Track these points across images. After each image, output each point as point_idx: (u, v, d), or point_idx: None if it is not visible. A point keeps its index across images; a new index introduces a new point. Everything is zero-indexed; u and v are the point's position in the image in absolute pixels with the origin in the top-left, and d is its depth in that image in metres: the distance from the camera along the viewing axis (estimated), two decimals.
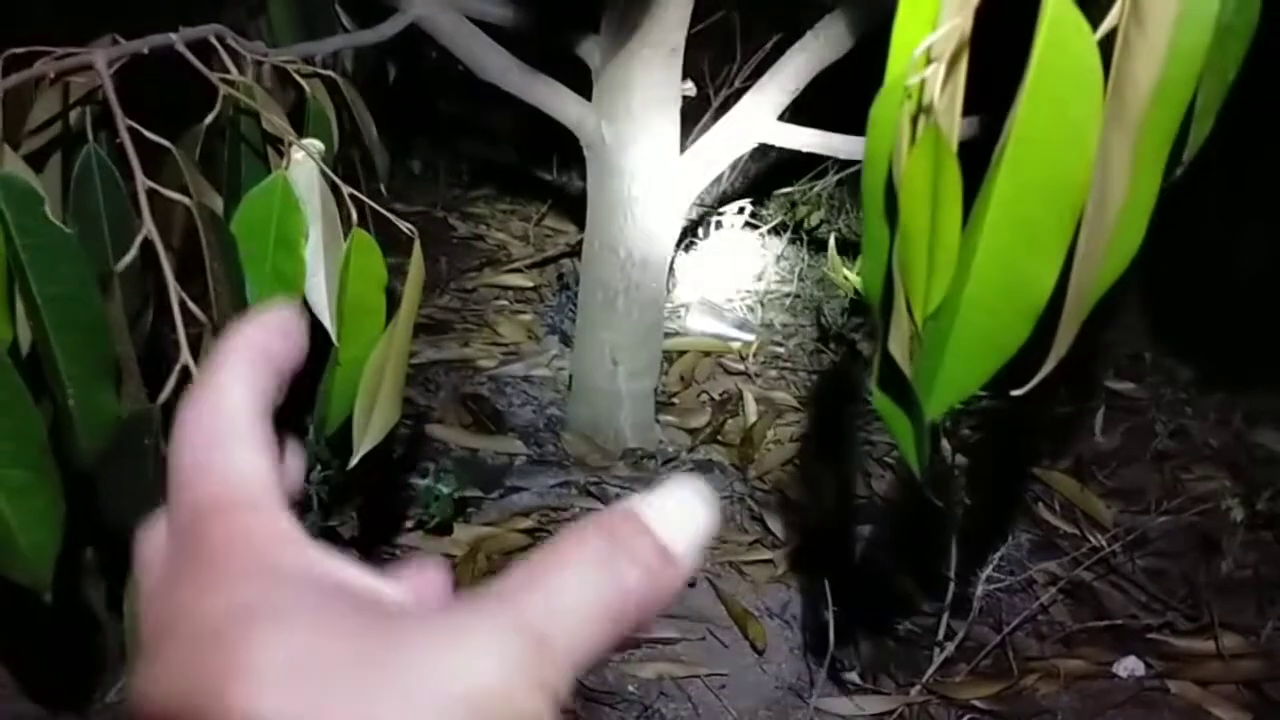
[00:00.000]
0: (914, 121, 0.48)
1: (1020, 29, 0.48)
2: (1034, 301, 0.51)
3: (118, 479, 0.71)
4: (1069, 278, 0.51)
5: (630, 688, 1.36)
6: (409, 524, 1.55)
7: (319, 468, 1.41)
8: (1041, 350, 0.53)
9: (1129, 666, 1.44)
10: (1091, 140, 0.47)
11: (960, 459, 1.73)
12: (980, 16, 0.47)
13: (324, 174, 0.82)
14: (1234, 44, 0.53)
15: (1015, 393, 0.55)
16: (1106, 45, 0.47)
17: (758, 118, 1.61)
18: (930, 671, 1.38)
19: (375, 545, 1.51)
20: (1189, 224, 2.11)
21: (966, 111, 0.48)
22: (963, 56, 0.47)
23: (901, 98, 0.48)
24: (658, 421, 1.89)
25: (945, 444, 1.77)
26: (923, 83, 0.47)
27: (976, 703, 1.37)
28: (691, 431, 1.91)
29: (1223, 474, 1.83)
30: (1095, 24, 0.46)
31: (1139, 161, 0.49)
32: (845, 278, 1.57)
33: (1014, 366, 0.53)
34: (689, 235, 2.46)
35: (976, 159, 0.50)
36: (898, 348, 0.53)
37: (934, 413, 0.56)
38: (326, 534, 1.43)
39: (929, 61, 0.47)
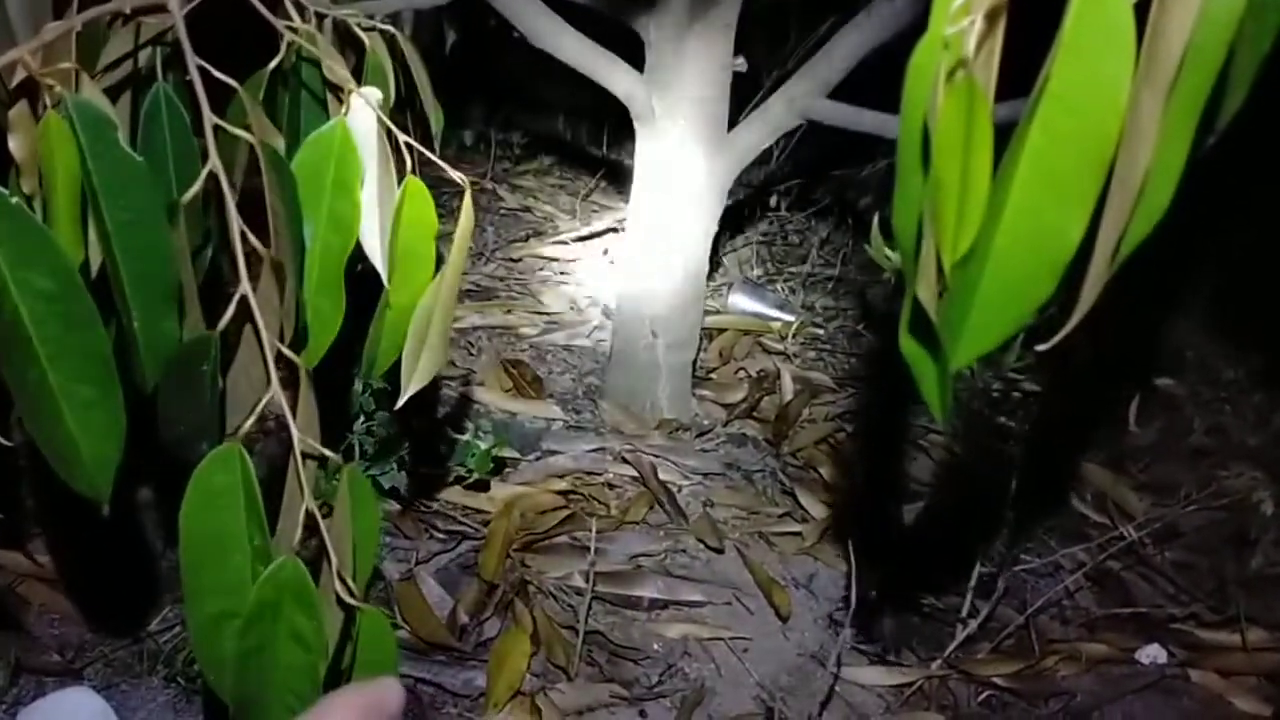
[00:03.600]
0: (951, 73, 0.50)
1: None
2: (1061, 254, 0.52)
3: (175, 401, 0.74)
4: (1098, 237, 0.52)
5: (655, 645, 1.39)
6: (448, 479, 1.59)
7: (362, 419, 1.45)
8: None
9: (1151, 654, 1.45)
10: (1122, 99, 0.48)
11: (994, 444, 1.74)
12: None
13: (381, 122, 0.85)
14: (1270, 14, 0.54)
15: (1040, 348, 0.57)
16: (1144, 8, 0.49)
17: (808, 95, 1.62)
18: (952, 647, 1.40)
19: (415, 498, 1.55)
20: (1235, 225, 2.10)
21: (1002, 82, 0.50)
22: (1001, 11, 0.48)
23: (939, 48, 0.50)
24: (694, 395, 1.91)
25: (979, 429, 1.78)
26: (960, 35, 0.49)
27: (997, 680, 1.38)
28: (727, 406, 1.93)
29: (1258, 473, 1.83)
30: None
31: (1169, 123, 0.51)
32: (887, 258, 1.58)
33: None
34: (735, 214, 2.47)
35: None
36: (926, 294, 0.55)
37: (960, 362, 0.57)
38: None
39: (968, 15, 0.48)
